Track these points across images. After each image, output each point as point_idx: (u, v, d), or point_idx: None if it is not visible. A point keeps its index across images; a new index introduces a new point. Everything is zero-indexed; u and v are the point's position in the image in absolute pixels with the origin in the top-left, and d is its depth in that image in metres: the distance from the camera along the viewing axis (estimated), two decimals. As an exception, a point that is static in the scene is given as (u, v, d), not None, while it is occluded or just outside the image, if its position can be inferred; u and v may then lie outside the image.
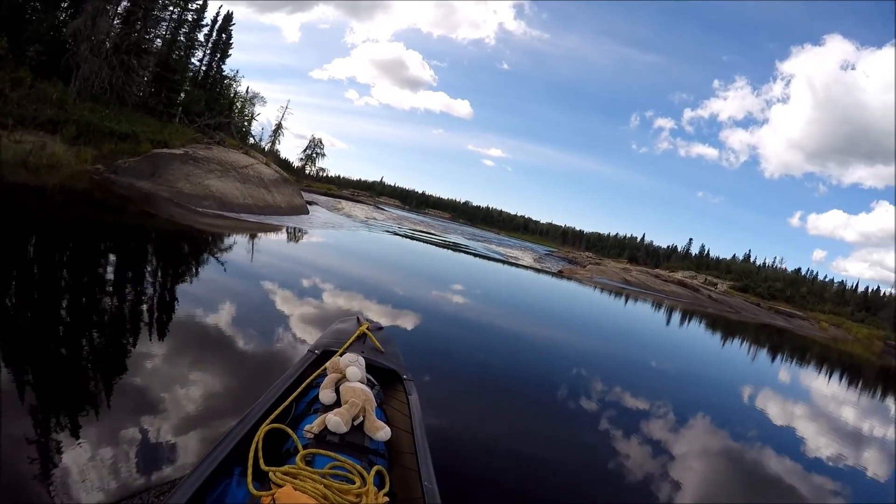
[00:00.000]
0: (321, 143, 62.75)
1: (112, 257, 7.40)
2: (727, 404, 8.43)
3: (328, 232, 17.26)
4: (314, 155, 62.24)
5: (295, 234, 14.45)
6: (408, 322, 7.52)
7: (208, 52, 25.67)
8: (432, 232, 35.43)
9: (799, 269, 73.56)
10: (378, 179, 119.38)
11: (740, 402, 8.93)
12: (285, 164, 64.13)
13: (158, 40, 22.85)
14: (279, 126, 57.25)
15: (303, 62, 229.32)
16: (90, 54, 18.63)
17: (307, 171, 62.01)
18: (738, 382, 10.88)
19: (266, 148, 57.45)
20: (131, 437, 2.83)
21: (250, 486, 1.55)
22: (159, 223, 10.94)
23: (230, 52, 26.25)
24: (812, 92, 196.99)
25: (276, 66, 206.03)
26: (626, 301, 24.51)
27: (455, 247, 27.24)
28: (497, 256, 28.28)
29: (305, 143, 65.33)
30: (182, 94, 22.68)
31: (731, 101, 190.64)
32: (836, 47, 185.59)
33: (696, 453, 5.46)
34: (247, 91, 53.59)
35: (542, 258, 39.09)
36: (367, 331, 3.25)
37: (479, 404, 5.17)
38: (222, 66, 26.81)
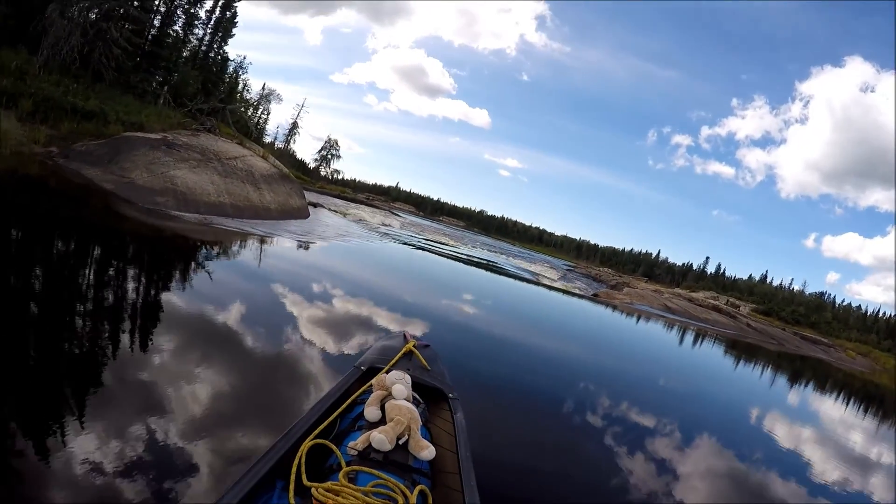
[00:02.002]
0: (337, 144, 59.54)
1: None
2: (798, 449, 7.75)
3: (329, 245, 13.54)
4: (329, 156, 58.99)
5: (276, 248, 10.84)
6: (449, 348, 6.19)
7: (210, 30, 22.22)
8: (449, 243, 31.74)
9: (823, 292, 69.96)
10: (394, 185, 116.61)
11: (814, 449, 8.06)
12: (301, 165, 61.38)
13: (152, 14, 19.42)
14: (295, 125, 54.36)
15: (324, 65, 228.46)
16: (59, 17, 15.26)
17: (321, 173, 58.85)
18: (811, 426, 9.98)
19: (281, 147, 54.68)
20: (176, 459, 2.61)
21: (292, 501, 1.52)
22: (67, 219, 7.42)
23: (234, 31, 22.72)
24: (831, 113, 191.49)
25: (297, 68, 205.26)
26: (677, 333, 20.71)
27: (484, 264, 23.38)
28: (526, 275, 24.44)
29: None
30: (175, 75, 19.18)
31: (750, 121, 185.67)
32: (857, 69, 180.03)
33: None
34: (263, 87, 50.73)
35: (567, 276, 35.14)
36: (413, 348, 3.14)
37: (526, 429, 4.91)
38: (224, 47, 23.30)
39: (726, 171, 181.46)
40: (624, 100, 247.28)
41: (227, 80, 25.87)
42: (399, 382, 2.30)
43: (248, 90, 33.77)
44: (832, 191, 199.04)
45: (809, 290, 71.40)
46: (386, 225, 28.10)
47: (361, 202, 49.58)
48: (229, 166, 13.87)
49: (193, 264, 7.28)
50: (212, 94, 20.23)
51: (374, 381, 2.38)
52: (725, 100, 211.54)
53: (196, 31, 21.38)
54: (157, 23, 19.54)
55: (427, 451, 1.95)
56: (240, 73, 28.45)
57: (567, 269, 46.03)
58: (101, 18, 16.40)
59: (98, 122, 14.62)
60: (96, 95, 15.51)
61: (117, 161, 12.11)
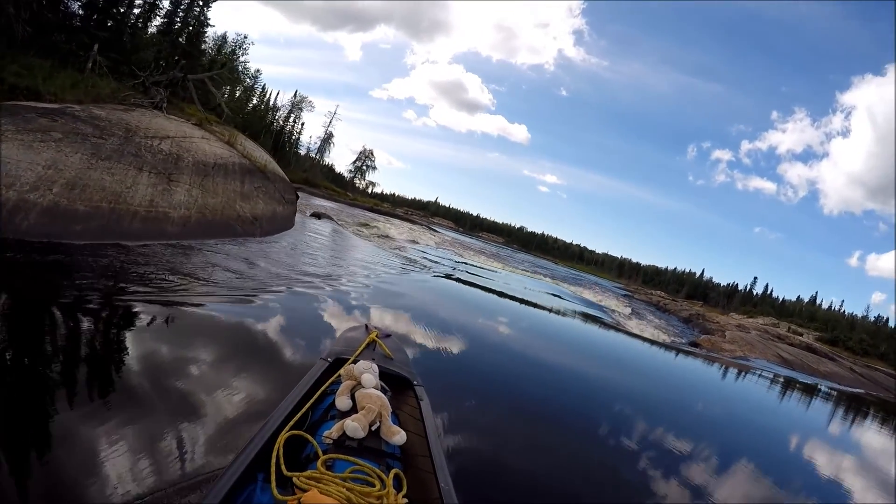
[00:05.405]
0: (372, 154, 53.98)
1: None
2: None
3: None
4: (364, 167, 53.53)
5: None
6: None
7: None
8: (493, 266, 25.32)
9: (883, 317, 62.75)
10: (433, 200, 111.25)
11: None
12: (338, 179, 56.29)
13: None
14: (329, 135, 49.20)
15: (364, 81, 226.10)
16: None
17: (356, 185, 53.47)
18: None
19: (314, 157, 49.64)
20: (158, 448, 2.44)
21: (275, 491, 1.44)
22: None
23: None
24: (873, 125, 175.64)
25: (337, 84, 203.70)
26: (832, 409, 13.58)
27: (546, 305, 16.66)
28: (597, 313, 17.63)
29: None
30: (126, 39, 13.50)
31: (790, 134, 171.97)
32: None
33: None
34: (295, 95, 45.83)
35: (632, 306, 28.08)
36: (376, 338, 3.04)
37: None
38: (206, 11, 17.61)
39: (768, 186, 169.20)
40: (663, 114, 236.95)
41: (209, 52, 20.33)
42: (367, 372, 2.24)
43: (245, 73, 27.95)
44: (876, 206, 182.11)
45: (873, 313, 63.67)
46: (415, 242, 21.98)
47: (399, 217, 43.93)
48: (138, 147, 7.95)
49: None
50: (186, 66, 14.52)
51: (342, 371, 2.30)
52: (765, 113, 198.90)
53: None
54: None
55: (399, 437, 1.92)
56: (237, 52, 23.09)
57: (625, 296, 38.80)
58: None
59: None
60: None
61: None
